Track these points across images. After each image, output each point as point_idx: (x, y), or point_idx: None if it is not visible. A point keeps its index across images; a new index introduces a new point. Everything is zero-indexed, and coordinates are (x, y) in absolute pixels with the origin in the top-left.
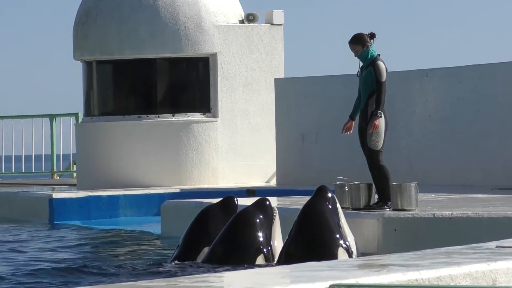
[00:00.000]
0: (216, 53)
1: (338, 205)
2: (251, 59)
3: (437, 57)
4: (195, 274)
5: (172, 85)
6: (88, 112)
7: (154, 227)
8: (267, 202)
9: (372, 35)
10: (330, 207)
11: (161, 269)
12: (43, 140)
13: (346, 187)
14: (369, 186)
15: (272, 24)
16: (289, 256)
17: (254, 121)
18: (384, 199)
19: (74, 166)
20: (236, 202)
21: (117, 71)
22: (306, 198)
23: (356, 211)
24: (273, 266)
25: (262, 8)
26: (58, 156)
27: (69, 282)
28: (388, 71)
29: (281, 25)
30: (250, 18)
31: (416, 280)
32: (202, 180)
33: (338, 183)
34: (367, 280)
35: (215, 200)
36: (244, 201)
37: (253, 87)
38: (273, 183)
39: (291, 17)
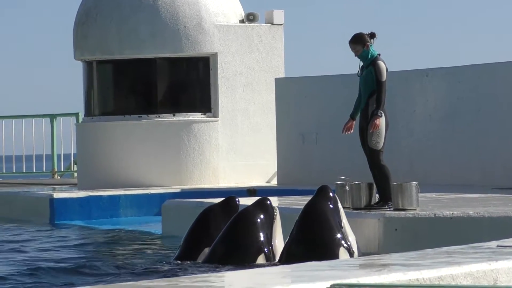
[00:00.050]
0: (216, 53)
1: (339, 204)
2: (251, 58)
3: (437, 57)
4: (196, 273)
5: (173, 85)
6: (88, 112)
7: (155, 227)
8: (268, 202)
9: (372, 35)
10: (331, 206)
11: (162, 268)
12: (44, 140)
13: (347, 186)
14: (370, 186)
15: (272, 23)
16: (290, 256)
17: (254, 121)
18: (385, 199)
19: (75, 166)
20: (237, 202)
21: (118, 71)
22: (307, 198)
23: (357, 211)
24: (274, 265)
25: (262, 8)
26: (58, 156)
27: (70, 282)
28: (388, 70)
29: (281, 24)
30: (250, 17)
31: (417, 279)
32: (203, 180)
33: (339, 182)
34: (368, 279)
35: (216, 200)
36: (245, 201)
37: (254, 87)
38: (274, 182)
39: (291, 16)
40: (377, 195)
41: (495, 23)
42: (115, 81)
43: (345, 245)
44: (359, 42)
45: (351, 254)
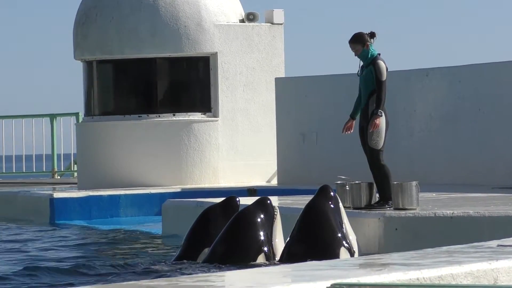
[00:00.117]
0: (216, 53)
1: (340, 204)
2: (251, 58)
3: (437, 57)
4: (197, 273)
5: (173, 85)
6: (88, 111)
7: (155, 226)
8: (268, 201)
9: (372, 35)
10: (332, 206)
11: (162, 268)
12: (44, 140)
13: (347, 186)
14: (370, 185)
15: (272, 23)
16: (291, 255)
17: (254, 121)
18: (385, 198)
19: (75, 165)
20: (238, 202)
21: (118, 71)
22: (307, 198)
23: (357, 210)
24: (274, 265)
25: (262, 7)
26: (58, 155)
27: (70, 282)
28: (388, 70)
29: (281, 24)
30: (250, 17)
31: (418, 279)
32: (203, 179)
33: (339, 182)
34: (368, 279)
35: (216, 200)
36: (245, 201)
37: (254, 87)
38: (274, 182)
39: (292, 16)
40: (377, 195)
41: (495, 22)
42: (115, 81)
43: (345, 245)
44: (359, 42)
45: (351, 254)
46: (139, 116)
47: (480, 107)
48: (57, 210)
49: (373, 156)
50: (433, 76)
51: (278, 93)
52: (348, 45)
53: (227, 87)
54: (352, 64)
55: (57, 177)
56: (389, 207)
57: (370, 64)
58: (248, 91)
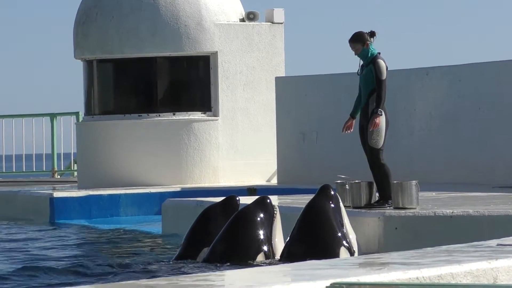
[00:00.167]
0: (216, 52)
1: (341, 204)
2: (251, 57)
3: (437, 56)
4: (196, 272)
5: (173, 84)
6: (88, 111)
7: (155, 226)
8: (268, 200)
9: (372, 34)
10: (333, 206)
11: (162, 267)
12: (44, 139)
13: (347, 185)
14: (370, 185)
15: (272, 22)
16: (291, 254)
17: (254, 120)
18: (385, 198)
19: (75, 165)
20: (237, 201)
21: (118, 70)
22: (307, 197)
23: (357, 210)
24: (274, 264)
25: (263, 6)
26: (58, 155)
27: (70, 281)
28: (388, 69)
29: (281, 23)
30: (250, 16)
31: (417, 278)
32: (203, 179)
33: (339, 181)
34: (368, 278)
35: (216, 199)
36: (245, 200)
37: (254, 86)
38: (274, 181)
39: (292, 15)
40: (377, 194)
41: (495, 22)
42: (115, 80)
43: (346, 244)
44: (359, 41)
45: (351, 253)
46: (139, 116)
47: (480, 106)
48: (57, 210)
49: (373, 155)
50: (433, 75)
51: (278, 92)
52: (348, 44)
53: (227, 86)
54: (352, 63)
55: (57, 176)
56: (389, 206)
57: (370, 63)
58: (248, 90)
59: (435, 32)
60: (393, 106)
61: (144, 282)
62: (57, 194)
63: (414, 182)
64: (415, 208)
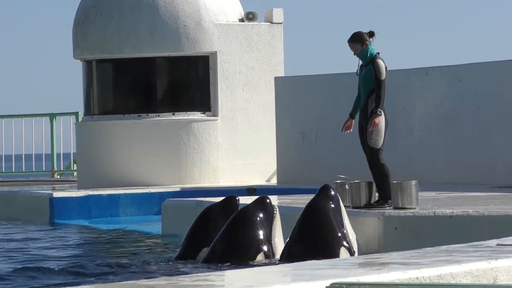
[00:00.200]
0: (215, 52)
1: (341, 204)
2: (251, 57)
3: (437, 56)
4: (196, 272)
5: (172, 84)
6: (88, 111)
7: (155, 226)
8: (268, 200)
9: (371, 34)
10: (333, 206)
11: (162, 267)
12: (44, 139)
13: (346, 185)
14: (369, 185)
15: (271, 22)
16: (291, 254)
17: (254, 120)
18: (385, 198)
19: (75, 165)
20: (237, 201)
21: (117, 70)
22: (307, 197)
23: (356, 210)
24: (274, 264)
25: (262, 6)
26: (58, 155)
27: (70, 281)
28: (388, 69)
29: (280, 23)
30: (249, 16)
31: (417, 278)
32: (203, 179)
33: (338, 181)
34: (368, 278)
35: (215, 199)
36: (245, 200)
37: (253, 86)
38: (274, 181)
39: (291, 15)
40: (377, 194)
41: (495, 22)
42: (114, 80)
43: (346, 244)
44: (358, 41)
45: (351, 253)
46: (138, 116)
47: (480, 106)
48: (57, 210)
49: (372, 155)
50: (433, 75)
51: (277, 92)
52: (347, 44)
53: (227, 86)
54: (352, 63)
55: (56, 176)
56: (388, 206)
57: (369, 63)
58: (248, 90)
59: (435, 32)
60: (392, 106)
61: (144, 282)
62: (56, 194)
63: (413, 182)
64: (414, 208)
